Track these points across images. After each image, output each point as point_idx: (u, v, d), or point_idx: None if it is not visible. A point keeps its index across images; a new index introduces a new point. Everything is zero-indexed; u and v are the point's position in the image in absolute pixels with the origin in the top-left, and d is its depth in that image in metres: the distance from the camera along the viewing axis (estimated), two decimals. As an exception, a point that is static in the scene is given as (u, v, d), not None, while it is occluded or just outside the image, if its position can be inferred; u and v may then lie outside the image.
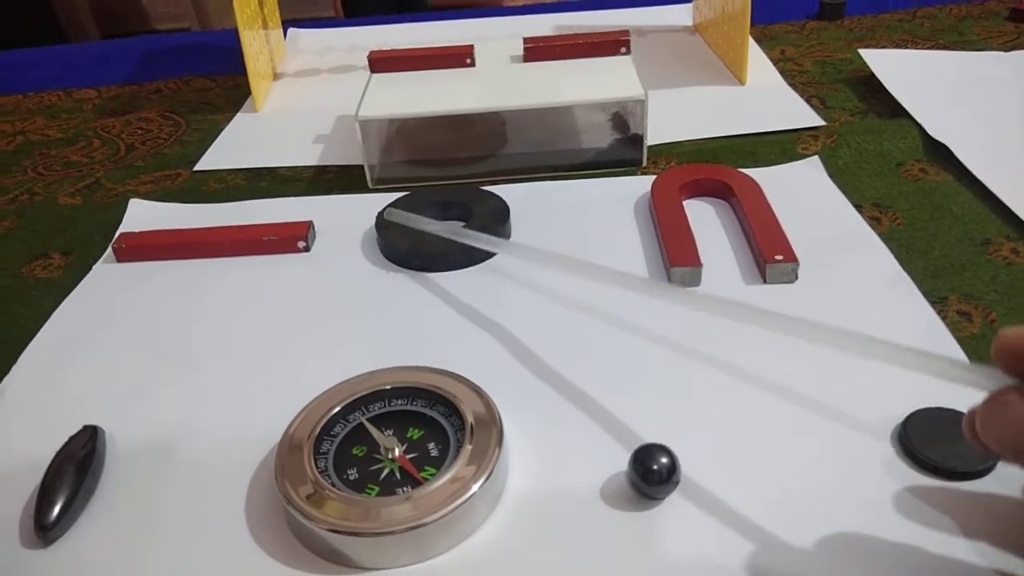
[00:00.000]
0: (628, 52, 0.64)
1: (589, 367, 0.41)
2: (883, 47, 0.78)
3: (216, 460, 0.38)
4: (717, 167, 0.56)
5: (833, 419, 0.37)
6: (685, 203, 0.53)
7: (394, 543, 0.32)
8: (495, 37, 0.85)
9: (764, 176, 0.55)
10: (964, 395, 0.38)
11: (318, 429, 0.35)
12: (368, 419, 0.37)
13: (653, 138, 0.62)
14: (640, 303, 0.45)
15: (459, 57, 0.64)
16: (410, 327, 0.45)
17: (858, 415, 0.37)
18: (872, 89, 0.68)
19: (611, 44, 0.64)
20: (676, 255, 0.47)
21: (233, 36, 0.70)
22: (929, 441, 0.35)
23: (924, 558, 0.31)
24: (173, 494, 0.36)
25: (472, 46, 0.65)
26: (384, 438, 0.35)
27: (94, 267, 0.52)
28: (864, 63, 0.71)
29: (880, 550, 0.31)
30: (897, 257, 0.47)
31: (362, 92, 0.60)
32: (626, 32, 0.64)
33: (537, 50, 0.64)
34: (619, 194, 0.56)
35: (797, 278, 0.46)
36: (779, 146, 0.60)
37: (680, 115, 0.66)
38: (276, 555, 0.33)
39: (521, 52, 0.65)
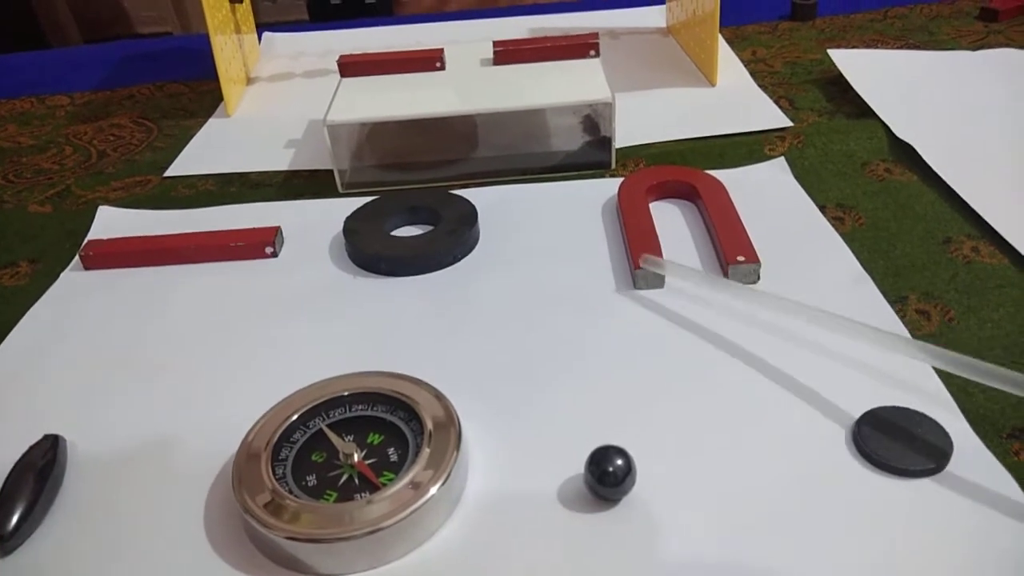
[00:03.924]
0: (597, 55, 0.64)
1: (549, 371, 0.41)
2: (854, 47, 0.79)
3: (177, 468, 0.38)
4: (683, 169, 0.56)
5: (788, 419, 0.38)
6: (652, 205, 0.54)
7: (351, 548, 0.32)
8: (469, 41, 0.85)
9: (730, 177, 0.55)
10: (916, 394, 0.39)
11: (276, 437, 0.36)
12: (328, 425, 0.37)
13: (623, 140, 0.63)
14: (599, 309, 0.45)
15: (429, 61, 0.64)
16: (375, 332, 0.45)
17: (813, 414, 0.38)
18: (841, 89, 0.69)
19: (580, 47, 0.64)
20: (640, 257, 0.47)
21: (208, 41, 0.70)
22: (883, 440, 0.35)
23: (877, 555, 0.31)
24: (133, 503, 0.36)
25: (442, 50, 0.65)
26: (343, 444, 0.36)
27: (61, 275, 0.52)
28: (834, 63, 0.72)
29: (835, 547, 0.32)
30: (859, 257, 0.48)
31: (331, 97, 0.60)
32: (595, 35, 0.64)
33: (506, 53, 0.64)
34: (587, 197, 0.56)
35: (759, 279, 0.46)
36: (746, 147, 0.61)
37: (651, 117, 0.67)
38: (235, 563, 0.33)
39: (491, 55, 0.65)
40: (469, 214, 0.53)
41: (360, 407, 0.38)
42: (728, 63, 0.76)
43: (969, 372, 0.35)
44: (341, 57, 0.64)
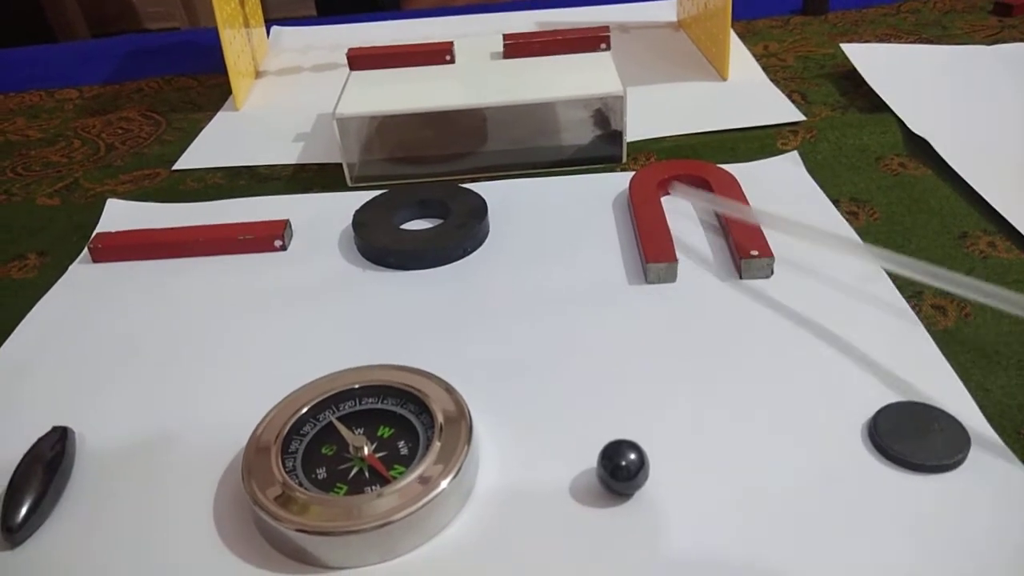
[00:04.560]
0: (608, 48, 0.64)
1: (561, 364, 0.41)
2: (866, 42, 0.78)
3: (186, 461, 0.37)
4: (695, 163, 0.56)
5: (803, 414, 0.37)
6: (663, 199, 0.53)
7: (362, 542, 0.32)
8: (478, 34, 0.85)
9: (743, 172, 0.55)
10: (933, 389, 0.38)
11: (286, 429, 0.35)
12: (338, 418, 0.36)
13: (634, 134, 0.62)
14: (612, 301, 0.45)
15: (438, 54, 0.64)
16: (385, 325, 0.45)
17: (828, 410, 0.37)
18: (854, 84, 0.68)
19: (591, 40, 0.64)
20: (652, 251, 0.47)
21: (217, 35, 0.70)
22: (899, 435, 0.35)
23: (894, 551, 0.31)
24: (142, 495, 0.36)
25: (451, 43, 0.64)
26: (353, 437, 0.35)
27: (70, 268, 0.52)
28: (846, 58, 0.71)
29: (850, 544, 0.31)
30: (873, 251, 0.47)
31: (340, 90, 0.60)
32: (606, 28, 0.64)
33: (516, 46, 0.64)
34: (598, 191, 0.56)
35: (773, 273, 0.46)
36: (759, 141, 0.60)
37: (662, 111, 0.66)
38: (245, 556, 0.33)
39: (500, 49, 0.65)
40: (479, 208, 0.53)
41: (370, 400, 0.37)
42: (739, 57, 0.75)
43: (920, 274, 0.39)
44: (350, 50, 0.64)
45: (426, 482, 0.33)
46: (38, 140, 0.72)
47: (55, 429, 0.38)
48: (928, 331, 0.41)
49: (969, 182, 0.53)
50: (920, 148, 0.58)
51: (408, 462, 0.34)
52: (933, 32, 0.79)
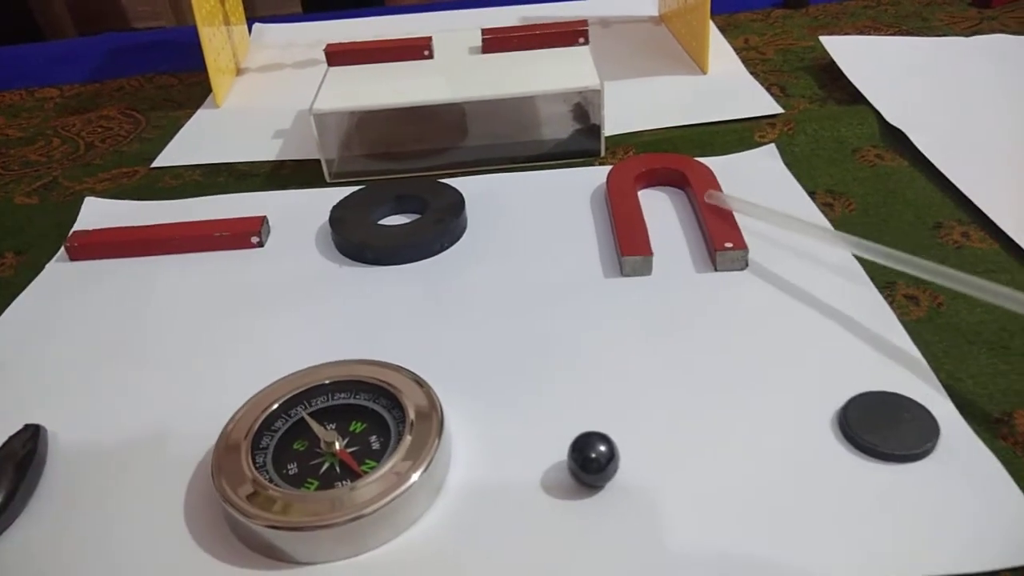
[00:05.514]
0: (586, 42, 0.64)
1: (533, 358, 0.41)
2: (846, 34, 0.78)
3: (159, 458, 0.37)
4: (672, 156, 0.56)
5: (774, 404, 0.37)
6: (640, 193, 0.53)
7: (332, 537, 0.32)
8: (458, 29, 0.85)
9: (720, 165, 0.55)
10: (904, 379, 0.38)
11: (257, 425, 0.35)
12: (310, 413, 0.36)
13: (614, 128, 0.62)
14: (586, 296, 0.45)
15: (417, 49, 0.64)
16: (361, 321, 0.45)
17: (799, 400, 0.37)
18: (832, 76, 0.68)
19: (569, 35, 0.64)
20: (627, 244, 0.47)
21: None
22: (869, 425, 0.35)
23: (864, 541, 0.31)
24: (114, 494, 0.36)
25: (430, 38, 0.64)
26: (324, 432, 0.35)
27: (46, 266, 0.52)
28: (826, 50, 0.71)
29: (820, 532, 0.31)
30: (848, 243, 0.47)
31: (318, 86, 0.60)
32: (584, 22, 0.64)
33: (495, 41, 0.64)
34: (575, 185, 0.56)
35: (747, 265, 0.46)
36: (737, 135, 0.60)
37: (642, 105, 0.66)
38: (216, 553, 0.33)
39: (479, 44, 0.64)
40: (456, 203, 0.53)
41: (342, 395, 0.37)
42: (720, 51, 0.76)
43: (886, 259, 0.40)
44: (328, 46, 0.64)
45: (397, 476, 0.33)
46: (17, 139, 0.72)
47: (27, 427, 0.38)
48: (900, 321, 0.41)
49: (944, 173, 0.53)
50: (897, 139, 0.58)
51: (379, 457, 0.34)
52: (913, 24, 0.80)
